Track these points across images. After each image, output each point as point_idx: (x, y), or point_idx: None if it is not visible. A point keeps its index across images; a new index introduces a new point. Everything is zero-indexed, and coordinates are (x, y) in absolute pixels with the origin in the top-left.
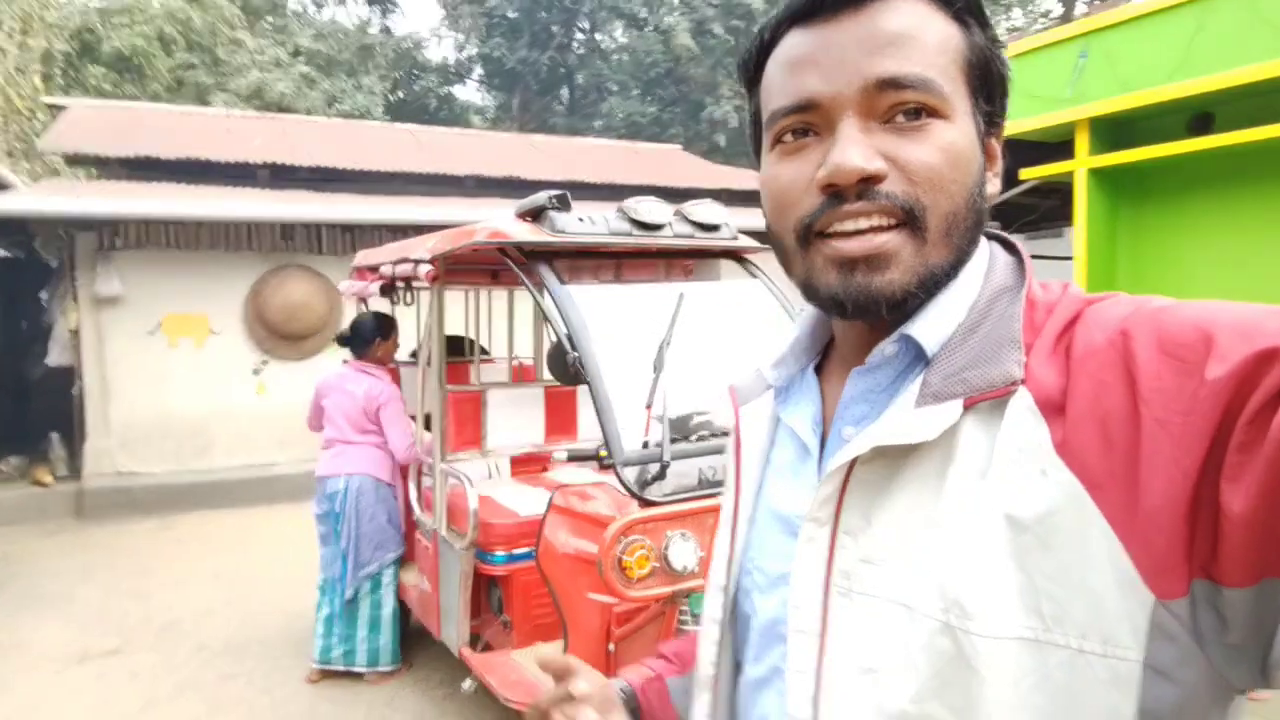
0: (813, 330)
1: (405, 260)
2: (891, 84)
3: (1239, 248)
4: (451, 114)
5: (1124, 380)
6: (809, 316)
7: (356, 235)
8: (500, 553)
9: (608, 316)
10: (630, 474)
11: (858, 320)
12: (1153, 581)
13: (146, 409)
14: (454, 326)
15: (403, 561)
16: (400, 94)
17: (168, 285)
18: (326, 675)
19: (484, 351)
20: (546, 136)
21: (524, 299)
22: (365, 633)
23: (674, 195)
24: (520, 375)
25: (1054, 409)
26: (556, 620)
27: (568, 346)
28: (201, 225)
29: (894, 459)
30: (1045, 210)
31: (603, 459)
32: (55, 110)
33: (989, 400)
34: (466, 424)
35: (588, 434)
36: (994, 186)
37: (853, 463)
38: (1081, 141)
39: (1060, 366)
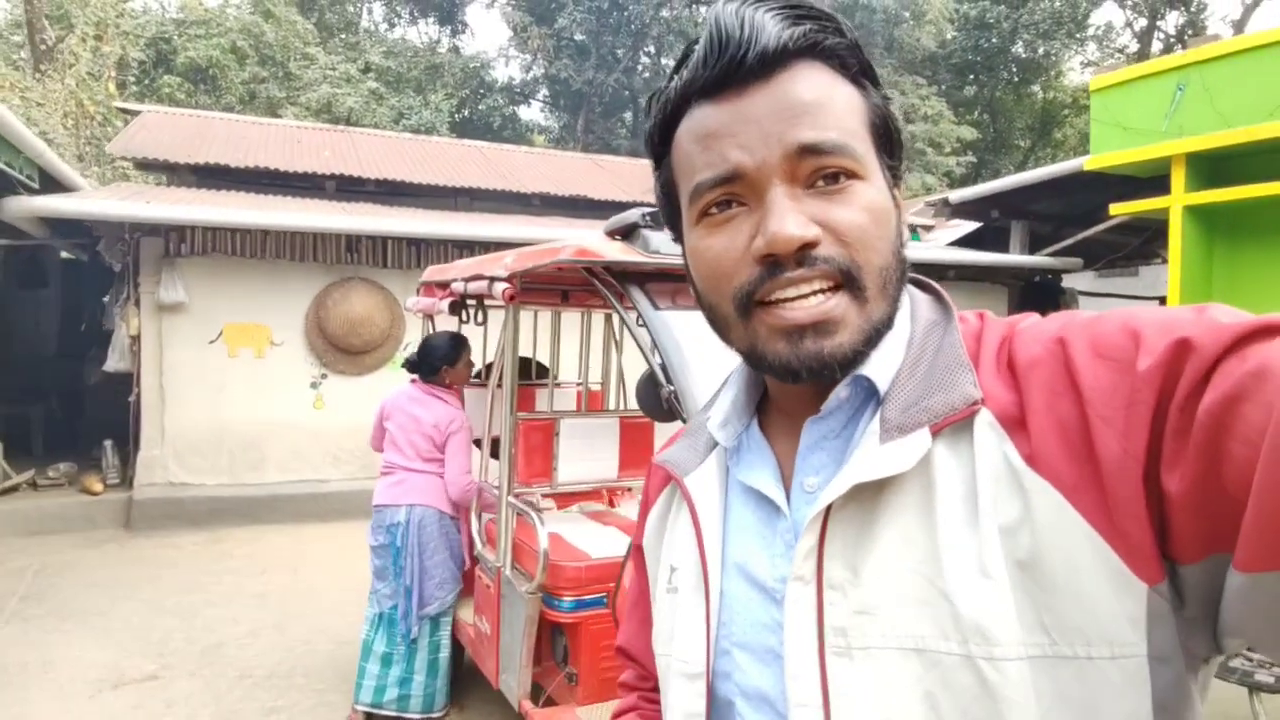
0: (750, 387)
1: (480, 277)
2: (813, 150)
3: None
4: (515, 133)
5: (1068, 386)
6: (741, 375)
7: (422, 249)
8: (568, 598)
9: (702, 347)
10: None
11: (806, 383)
12: (1139, 570)
13: (202, 419)
14: (520, 348)
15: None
16: (465, 112)
17: (230, 294)
18: (371, 718)
19: (545, 373)
20: (612, 157)
21: (596, 321)
22: (423, 676)
23: None
24: (589, 403)
25: (1015, 423)
26: None
27: (662, 379)
28: (267, 234)
29: (868, 500)
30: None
31: None
32: (128, 116)
33: (953, 424)
34: (536, 454)
35: None
36: (906, 234)
37: (826, 514)
38: (1178, 177)
39: (1008, 383)
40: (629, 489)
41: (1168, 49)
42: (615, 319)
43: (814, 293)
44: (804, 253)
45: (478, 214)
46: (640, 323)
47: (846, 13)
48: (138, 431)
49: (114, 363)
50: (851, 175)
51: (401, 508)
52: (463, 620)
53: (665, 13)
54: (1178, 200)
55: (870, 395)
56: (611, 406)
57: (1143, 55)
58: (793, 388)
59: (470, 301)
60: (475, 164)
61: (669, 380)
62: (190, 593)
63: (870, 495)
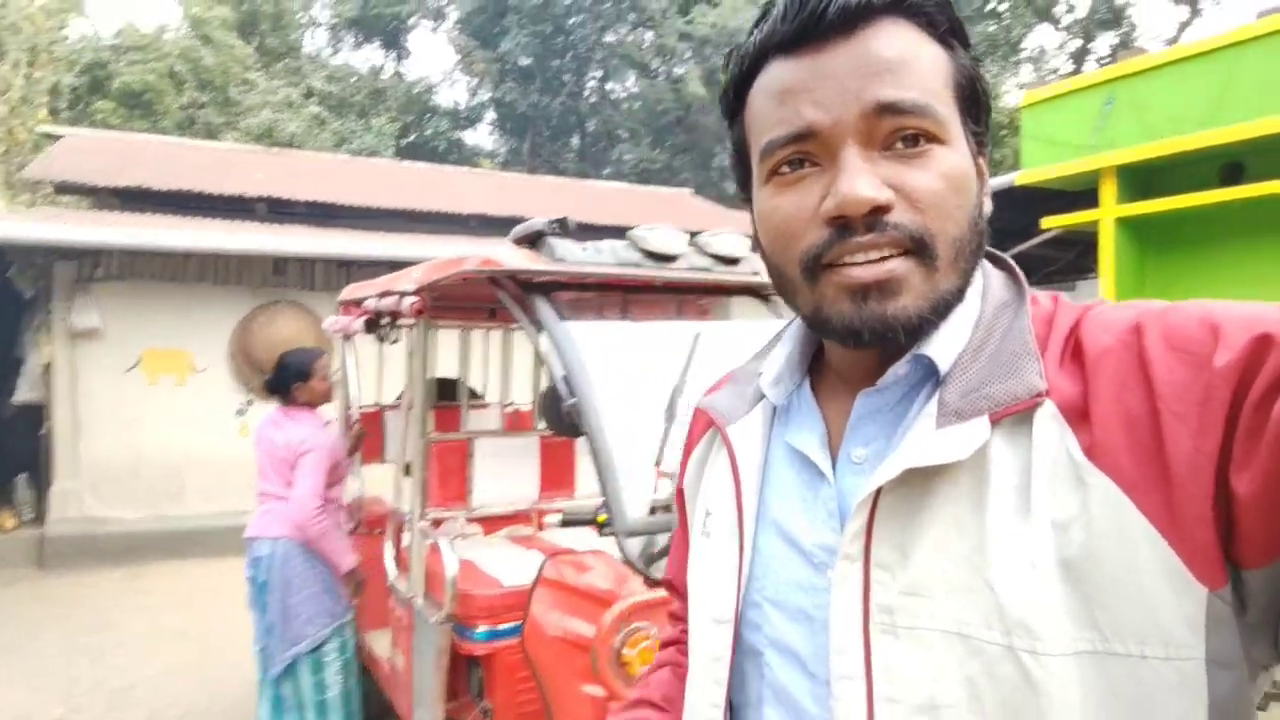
0: (802, 347)
1: (390, 293)
2: (891, 110)
3: (1270, 298)
4: (461, 157)
5: (1140, 379)
6: (797, 333)
7: (353, 272)
8: (482, 628)
9: (613, 358)
10: (634, 546)
11: (870, 348)
12: (1201, 574)
13: (119, 450)
14: (448, 368)
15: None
16: (411, 137)
17: (149, 319)
18: None
19: (476, 395)
20: (554, 178)
21: (523, 338)
22: (313, 717)
23: None
24: (515, 423)
25: (1078, 415)
26: (544, 710)
27: (564, 391)
28: (188, 257)
29: (920, 484)
30: (1063, 263)
31: (603, 524)
32: (54, 140)
33: (1014, 414)
34: (450, 477)
35: (587, 489)
36: (988, 206)
37: (877, 492)
38: (1108, 190)
39: (1075, 373)
40: (560, 511)
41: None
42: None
43: (882, 259)
44: (875, 217)
45: (413, 235)
46: (543, 332)
47: None
48: (50, 464)
49: (25, 393)
50: (932, 138)
51: (267, 540)
52: (378, 655)
53: (610, 37)
54: (1108, 213)
55: (930, 373)
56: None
57: (1077, 73)
58: (852, 355)
59: (385, 320)
60: (414, 185)
61: (571, 393)
62: (104, 631)
63: (922, 479)
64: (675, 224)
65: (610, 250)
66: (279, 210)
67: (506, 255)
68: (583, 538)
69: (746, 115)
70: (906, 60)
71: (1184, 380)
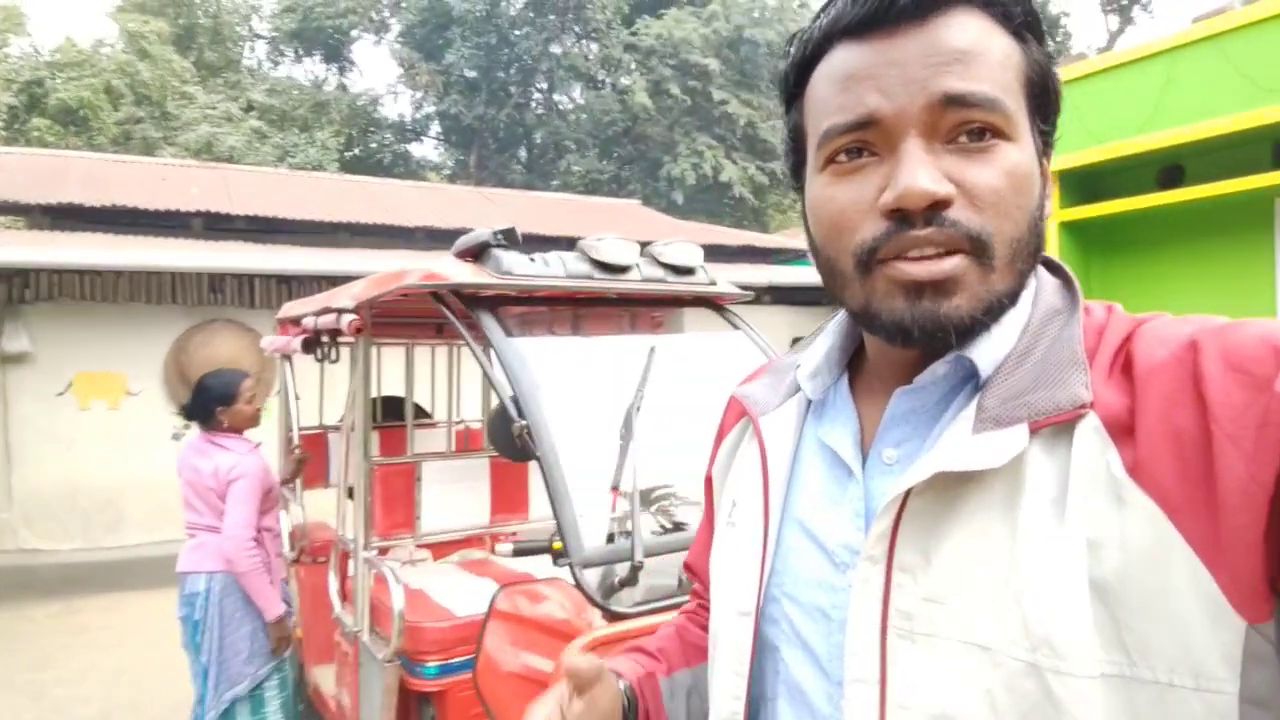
0: (843, 342)
1: (328, 311)
2: (958, 102)
3: (1210, 299)
4: (407, 170)
5: (1193, 397)
6: (839, 327)
7: (294, 288)
8: (432, 663)
9: (564, 376)
10: (592, 578)
11: (918, 347)
12: (1241, 606)
13: (53, 478)
14: (395, 385)
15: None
16: (355, 150)
17: (81, 341)
18: None
19: (424, 414)
20: (501, 190)
21: (470, 355)
22: None
23: None
24: (466, 441)
25: (1122, 430)
26: None
27: (513, 412)
28: (120, 276)
29: (950, 489)
30: None
31: (558, 552)
32: None
33: (1055, 425)
34: (397, 502)
35: (541, 512)
36: (1048, 208)
37: (906, 493)
38: (1052, 194)
39: (1123, 386)
40: (513, 533)
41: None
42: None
43: (939, 255)
44: (934, 211)
45: (355, 249)
46: (490, 350)
47: (731, 46)
48: None
49: None
50: (998, 134)
51: (200, 575)
52: (325, 693)
53: (555, 48)
54: (1053, 217)
55: (970, 376)
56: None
57: None
58: (893, 353)
59: (325, 338)
60: (358, 199)
61: (521, 414)
62: (41, 669)
63: (954, 484)
64: (626, 235)
65: (559, 262)
66: (215, 226)
67: (449, 269)
68: (539, 563)
69: (806, 100)
70: (977, 52)
71: (1241, 402)
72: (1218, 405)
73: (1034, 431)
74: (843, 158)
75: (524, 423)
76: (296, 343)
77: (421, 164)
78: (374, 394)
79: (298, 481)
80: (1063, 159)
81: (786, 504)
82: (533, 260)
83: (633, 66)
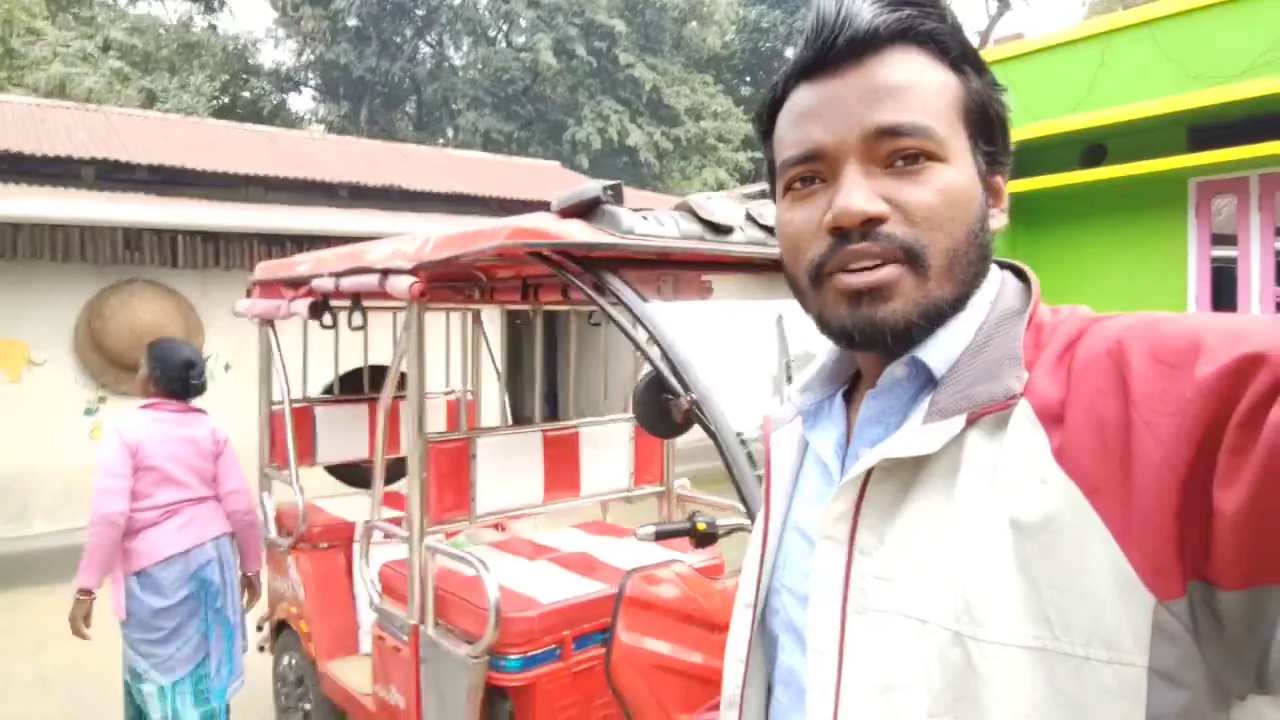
0: (840, 358)
1: (364, 270)
2: (889, 132)
3: (1126, 274)
4: (286, 122)
5: (1118, 387)
6: (833, 345)
7: (221, 246)
8: (515, 656)
9: (702, 342)
10: None
11: (866, 350)
12: (1151, 582)
13: None
14: (378, 356)
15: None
16: (227, 98)
17: None
18: None
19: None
20: (418, 146)
21: (456, 322)
22: None
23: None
24: (454, 412)
25: (1053, 418)
26: None
27: (676, 385)
28: (18, 229)
29: (905, 476)
30: None
31: (701, 534)
32: None
33: (992, 414)
34: (449, 484)
35: (590, 488)
36: (998, 221)
37: (866, 481)
38: None
39: (1061, 379)
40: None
41: None
42: (470, 319)
43: (874, 266)
44: (870, 227)
45: (280, 206)
46: (623, 316)
47: (637, 10)
48: None
49: None
50: (930, 157)
51: (208, 544)
52: (351, 688)
53: None
54: None
55: (931, 379)
56: (496, 418)
57: None
58: (867, 360)
59: (339, 301)
60: (264, 151)
61: (686, 387)
62: None
63: (908, 471)
64: (550, 195)
65: (672, 221)
66: (111, 175)
67: (562, 228)
68: (577, 540)
69: (774, 137)
70: (908, 86)
71: (1160, 391)
72: (1139, 393)
73: (972, 421)
74: (798, 185)
75: (692, 396)
76: (298, 306)
77: (301, 116)
78: (361, 364)
79: (292, 460)
80: None
81: (790, 508)
82: (646, 219)
83: (524, 24)
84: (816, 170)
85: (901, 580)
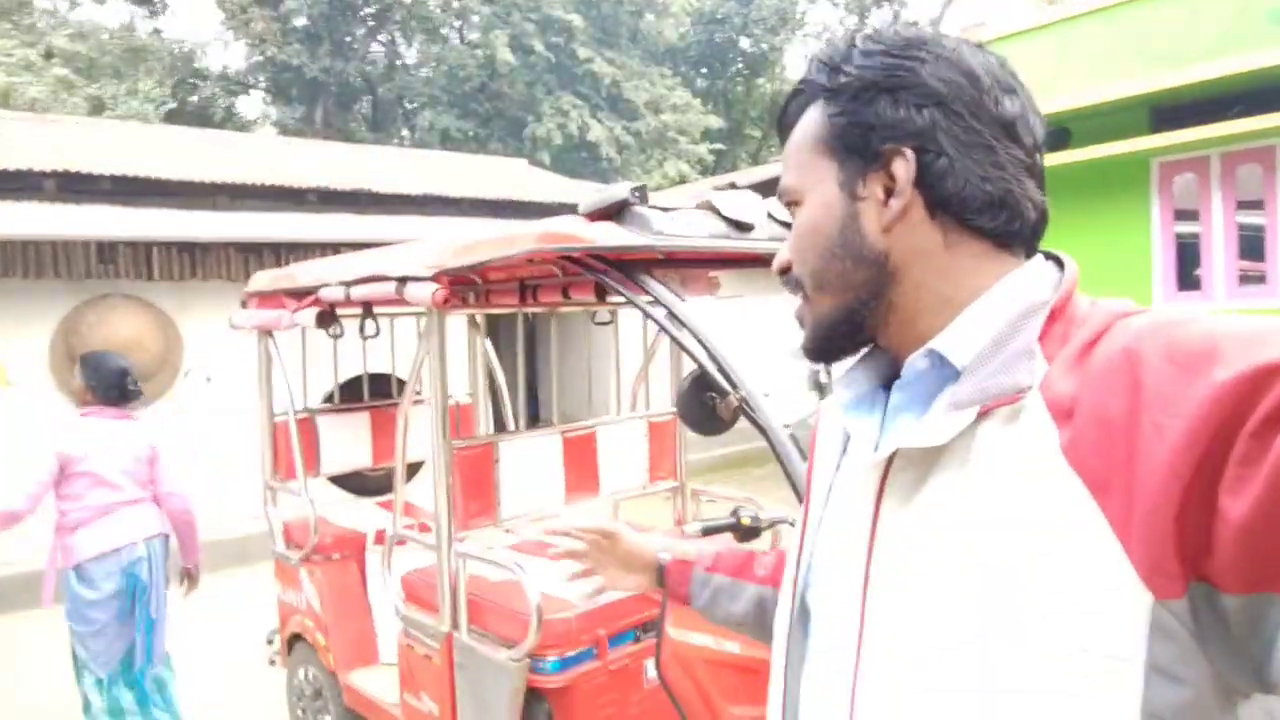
0: (879, 352)
1: (379, 279)
2: (781, 197)
3: (1093, 255)
4: (238, 126)
5: (1131, 386)
6: None
7: (198, 257)
8: (553, 657)
9: (736, 340)
10: None
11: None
12: (1149, 581)
13: None
14: (374, 364)
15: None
16: (175, 103)
17: None
18: None
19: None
20: (382, 147)
21: (456, 326)
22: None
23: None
24: (459, 419)
25: (1064, 413)
26: None
27: (724, 384)
28: None
29: (924, 464)
30: None
31: (746, 529)
32: None
33: (1005, 407)
34: (474, 488)
35: (607, 487)
36: (890, 211)
37: (889, 467)
38: None
39: (1078, 375)
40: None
41: None
42: (476, 320)
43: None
44: (786, 276)
45: (252, 213)
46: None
47: (591, 4)
48: None
49: None
50: (796, 204)
51: (140, 543)
52: (377, 699)
53: None
54: None
55: (957, 370)
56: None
57: None
58: (898, 355)
59: (350, 309)
60: (229, 156)
61: (733, 385)
62: None
63: (927, 459)
64: (519, 194)
65: (699, 220)
66: (73, 187)
67: (592, 231)
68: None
69: None
70: (789, 151)
71: (1171, 393)
72: (1151, 394)
73: (985, 413)
74: None
75: (741, 394)
76: (304, 316)
77: (252, 120)
78: (358, 373)
79: (300, 472)
80: None
81: (830, 494)
82: (672, 219)
83: (476, 22)
84: None
85: (913, 563)
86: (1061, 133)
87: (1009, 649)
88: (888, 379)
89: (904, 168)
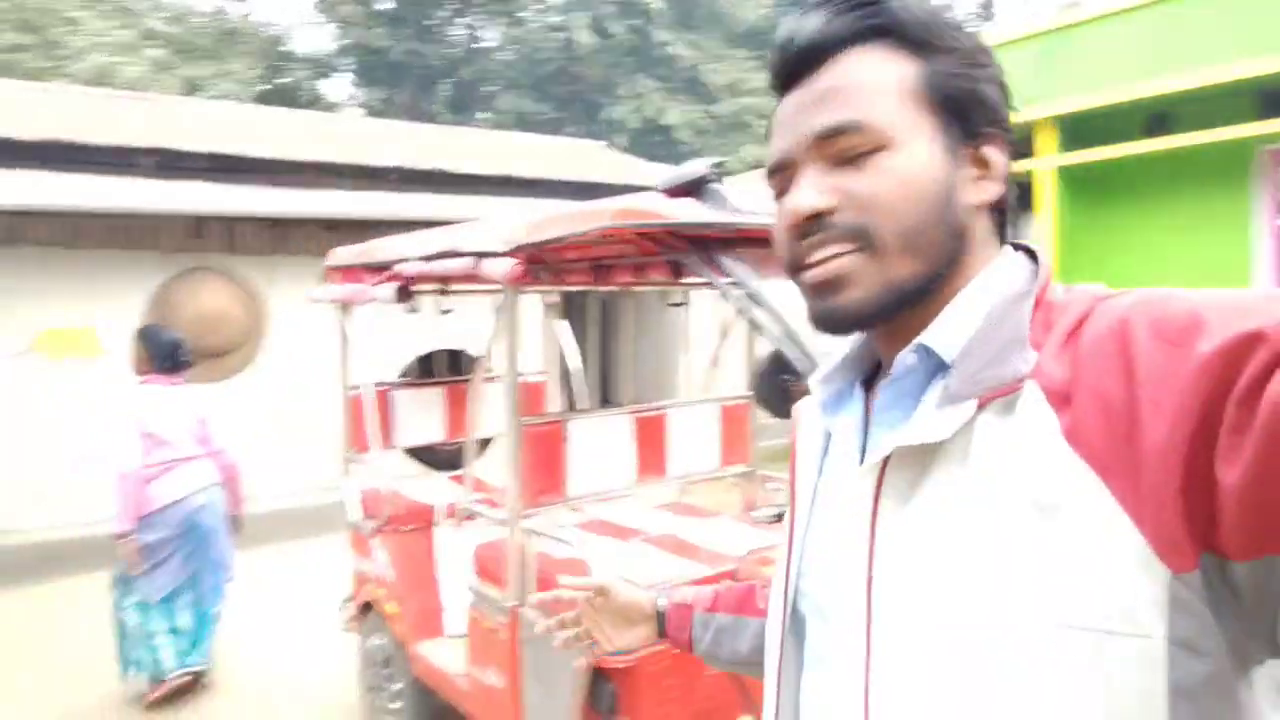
0: (862, 347)
1: (454, 254)
2: (830, 134)
3: (1190, 246)
4: (324, 107)
5: (1123, 366)
6: (859, 335)
7: (282, 233)
8: None
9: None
10: None
11: (835, 335)
12: (1165, 556)
13: (18, 449)
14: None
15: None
16: (267, 85)
17: (44, 293)
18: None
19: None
20: (462, 128)
21: (530, 304)
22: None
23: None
24: (526, 396)
25: (1062, 399)
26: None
27: (804, 365)
28: (92, 218)
29: (922, 460)
30: None
31: None
32: None
33: (1001, 398)
34: (542, 466)
35: (676, 470)
36: (985, 191)
37: (885, 466)
38: (1047, 140)
39: (1069, 360)
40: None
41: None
42: (551, 300)
43: (832, 256)
44: (817, 220)
45: (335, 191)
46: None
47: None
48: None
49: None
50: (875, 148)
51: (200, 493)
52: (445, 670)
53: None
54: (1049, 161)
55: (944, 363)
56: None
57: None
58: (884, 349)
59: (427, 285)
60: (316, 136)
61: (811, 367)
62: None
63: (925, 455)
64: (596, 176)
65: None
66: (170, 164)
67: (669, 206)
68: (663, 521)
69: None
70: (847, 86)
71: (1163, 368)
72: (1143, 371)
73: (983, 405)
74: (777, 193)
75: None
76: (382, 291)
77: (338, 102)
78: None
79: (375, 445)
80: (1061, 104)
81: (815, 496)
82: (754, 197)
83: (569, 3)
84: (787, 178)
85: (921, 562)
86: (1160, 118)
87: (1033, 637)
88: (864, 375)
89: (1000, 154)
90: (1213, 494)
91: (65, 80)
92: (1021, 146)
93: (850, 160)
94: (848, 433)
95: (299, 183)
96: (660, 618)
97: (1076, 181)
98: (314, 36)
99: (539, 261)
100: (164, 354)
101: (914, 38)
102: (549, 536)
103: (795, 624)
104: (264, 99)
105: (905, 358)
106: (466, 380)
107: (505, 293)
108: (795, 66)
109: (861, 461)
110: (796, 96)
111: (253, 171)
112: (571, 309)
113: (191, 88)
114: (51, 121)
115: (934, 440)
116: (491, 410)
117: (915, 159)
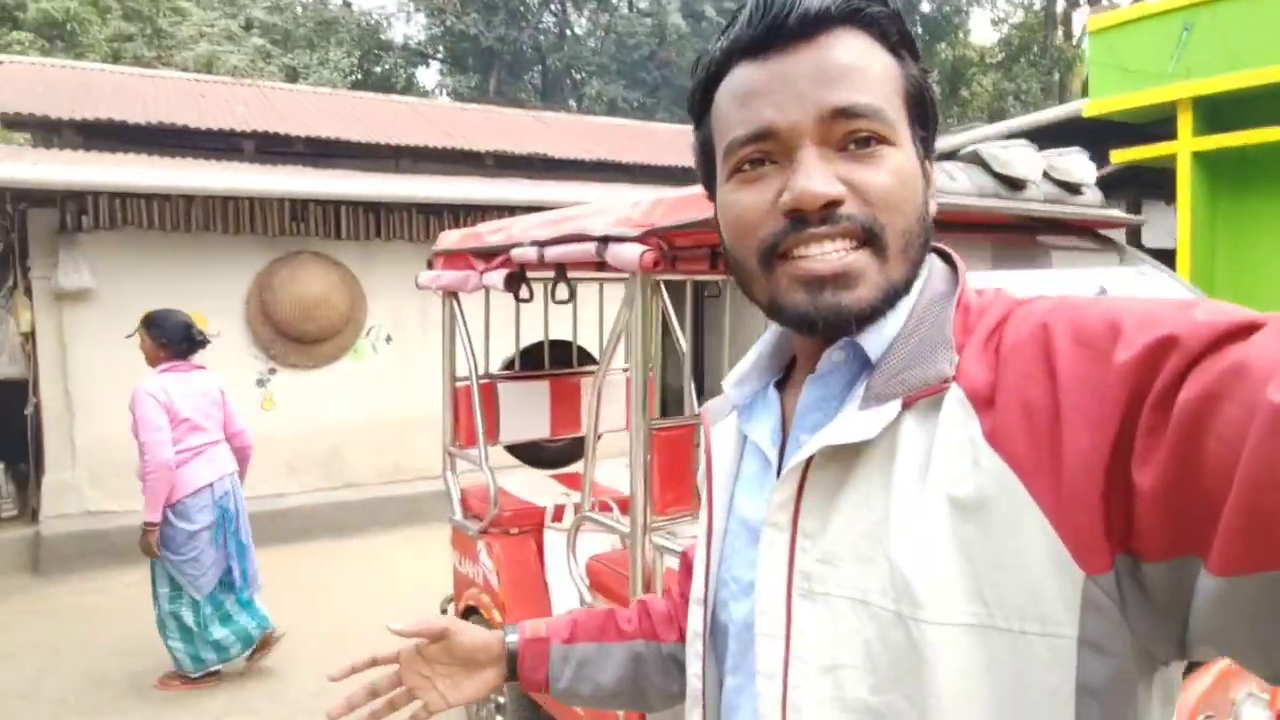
0: (776, 348)
1: (580, 238)
2: (846, 113)
3: (1261, 251)
4: (417, 95)
5: (1045, 370)
6: (772, 335)
7: (381, 217)
8: None
9: None
10: None
11: (827, 337)
12: (1080, 558)
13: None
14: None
15: None
16: (360, 74)
17: (150, 276)
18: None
19: (590, 359)
20: (556, 114)
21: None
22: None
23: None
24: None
25: (983, 402)
26: None
27: None
28: (193, 202)
29: (845, 461)
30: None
31: None
32: None
33: (925, 398)
34: (671, 475)
35: None
36: (933, 206)
37: (807, 467)
38: (1184, 122)
39: (990, 362)
40: None
41: (1073, 3)
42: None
43: (836, 250)
44: (828, 210)
45: (431, 176)
46: None
47: None
48: (40, 451)
49: (1, 368)
50: (882, 140)
51: (226, 478)
52: None
53: None
54: (1185, 145)
55: (867, 362)
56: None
57: (1049, 10)
58: (809, 345)
59: (534, 274)
60: (411, 121)
61: None
62: (139, 654)
63: (848, 456)
64: (692, 161)
65: (966, 176)
66: (270, 149)
67: None
68: None
69: (712, 116)
70: (860, 68)
71: (1083, 374)
72: (1065, 377)
73: (907, 405)
74: (746, 167)
75: None
76: (493, 278)
77: (429, 89)
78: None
79: (480, 440)
80: (1200, 84)
81: (732, 502)
82: (710, 199)
83: None
84: (767, 151)
85: (843, 564)
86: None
87: (950, 637)
88: (778, 377)
89: (931, 168)
90: (1130, 496)
91: (172, 69)
92: (1157, 130)
93: (853, 150)
94: (764, 436)
95: (396, 167)
96: (511, 657)
97: (1214, 169)
98: (408, 25)
99: (671, 246)
100: (179, 337)
101: (891, 34)
102: (674, 552)
103: (715, 633)
104: (359, 86)
105: (833, 354)
106: (573, 374)
107: (633, 281)
108: (788, 31)
109: (780, 464)
110: (790, 63)
111: (350, 156)
112: (708, 299)
113: (291, 76)
114: (157, 107)
115: (859, 440)
116: (603, 407)
117: (910, 160)
